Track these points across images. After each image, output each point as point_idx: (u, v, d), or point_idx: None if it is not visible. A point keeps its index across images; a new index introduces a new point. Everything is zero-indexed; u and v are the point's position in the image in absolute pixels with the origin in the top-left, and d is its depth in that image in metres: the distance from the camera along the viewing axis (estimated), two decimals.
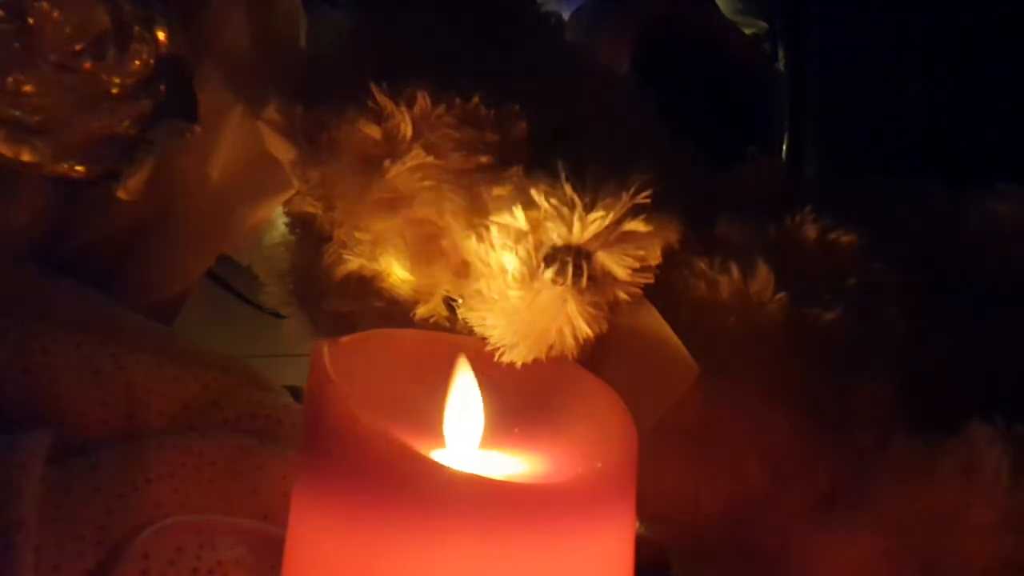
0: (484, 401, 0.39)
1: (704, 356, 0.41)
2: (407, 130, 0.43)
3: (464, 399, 0.39)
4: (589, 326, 0.41)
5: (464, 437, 0.39)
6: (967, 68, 0.69)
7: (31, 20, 0.44)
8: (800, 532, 0.42)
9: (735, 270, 0.43)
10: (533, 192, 0.40)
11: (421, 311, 0.45)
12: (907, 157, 0.71)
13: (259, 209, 0.54)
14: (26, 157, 0.45)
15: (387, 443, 0.34)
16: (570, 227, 0.40)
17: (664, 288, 0.42)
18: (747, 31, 0.79)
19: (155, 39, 0.46)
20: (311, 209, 0.48)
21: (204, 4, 0.51)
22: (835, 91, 0.75)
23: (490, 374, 0.40)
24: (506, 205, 0.41)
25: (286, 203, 0.52)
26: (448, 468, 0.34)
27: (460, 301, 0.43)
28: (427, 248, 0.43)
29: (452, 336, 0.43)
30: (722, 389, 0.42)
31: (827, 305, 0.43)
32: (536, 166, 0.41)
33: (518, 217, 0.40)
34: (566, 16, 0.68)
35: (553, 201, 0.40)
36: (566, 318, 0.40)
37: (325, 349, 0.37)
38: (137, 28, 0.46)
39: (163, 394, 0.45)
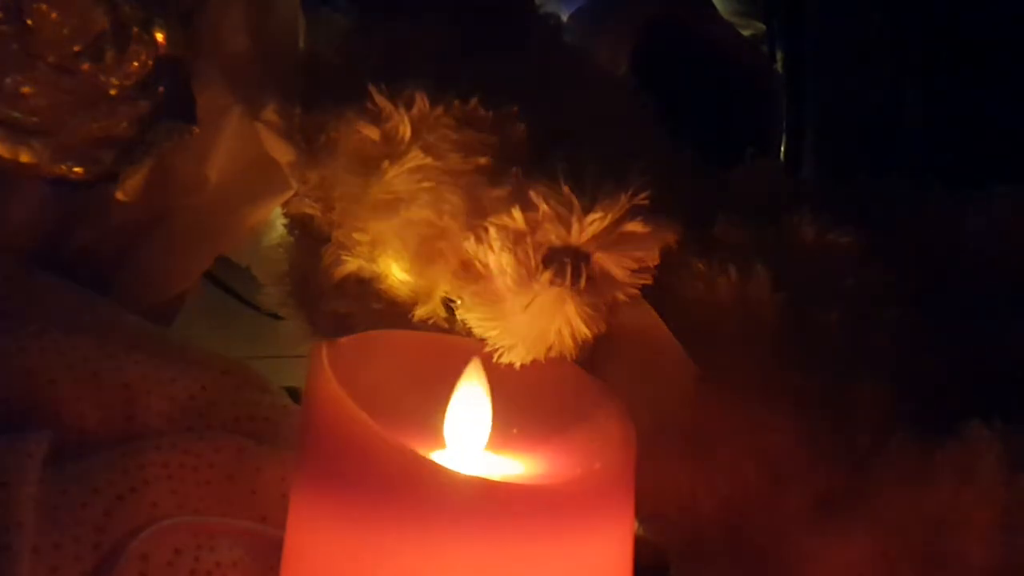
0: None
1: (702, 357, 0.41)
2: (406, 131, 0.43)
3: (472, 402, 0.39)
4: (588, 327, 0.40)
5: (466, 439, 0.38)
6: (966, 69, 0.69)
7: (30, 21, 0.44)
8: (798, 533, 0.42)
9: (733, 271, 0.43)
10: (532, 193, 0.40)
11: (420, 312, 0.45)
12: (906, 158, 0.71)
13: (257, 210, 0.54)
14: (24, 158, 0.46)
15: (385, 444, 0.34)
16: (569, 228, 0.40)
17: (662, 289, 0.42)
18: (745, 32, 0.79)
19: (154, 40, 0.46)
20: (310, 210, 0.48)
21: (203, 5, 0.51)
22: (833, 92, 0.75)
23: (489, 375, 0.40)
24: (505, 206, 0.41)
25: (285, 204, 0.52)
26: (446, 469, 0.34)
27: (459, 302, 0.43)
28: (426, 249, 0.43)
29: (451, 337, 0.43)
30: (720, 390, 0.42)
31: (825, 306, 0.43)
32: (535, 167, 0.41)
33: (517, 218, 0.40)
34: (565, 17, 0.68)
35: (552, 202, 0.40)
36: (565, 319, 0.40)
37: (324, 350, 0.37)
38: (135, 29, 0.46)
39: (161, 395, 0.45)
